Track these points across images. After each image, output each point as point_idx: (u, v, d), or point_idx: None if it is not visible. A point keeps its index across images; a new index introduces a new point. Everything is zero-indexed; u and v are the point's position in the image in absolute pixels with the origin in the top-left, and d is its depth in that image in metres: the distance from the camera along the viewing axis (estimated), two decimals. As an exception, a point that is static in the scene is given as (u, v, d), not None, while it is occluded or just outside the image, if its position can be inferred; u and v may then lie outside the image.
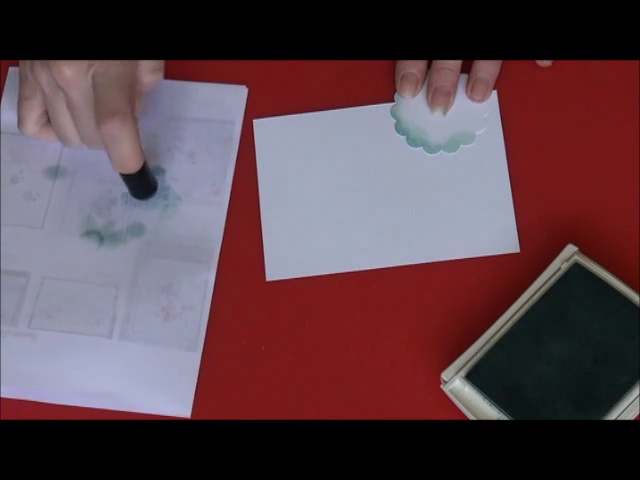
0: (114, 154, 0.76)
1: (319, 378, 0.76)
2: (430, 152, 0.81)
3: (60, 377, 0.76)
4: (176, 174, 0.82)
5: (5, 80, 0.85)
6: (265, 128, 0.83)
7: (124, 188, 0.81)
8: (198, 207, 0.81)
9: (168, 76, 0.83)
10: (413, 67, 0.81)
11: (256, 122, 0.83)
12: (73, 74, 0.75)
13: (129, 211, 0.81)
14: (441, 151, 0.81)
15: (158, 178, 0.81)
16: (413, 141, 0.82)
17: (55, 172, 0.82)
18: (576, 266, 0.73)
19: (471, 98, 0.82)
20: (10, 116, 0.83)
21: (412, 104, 0.83)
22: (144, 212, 0.81)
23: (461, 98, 0.82)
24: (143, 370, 0.76)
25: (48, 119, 0.80)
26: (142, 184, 0.80)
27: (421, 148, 0.81)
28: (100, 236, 0.80)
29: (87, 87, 0.75)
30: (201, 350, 0.77)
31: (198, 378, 0.76)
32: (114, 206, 0.81)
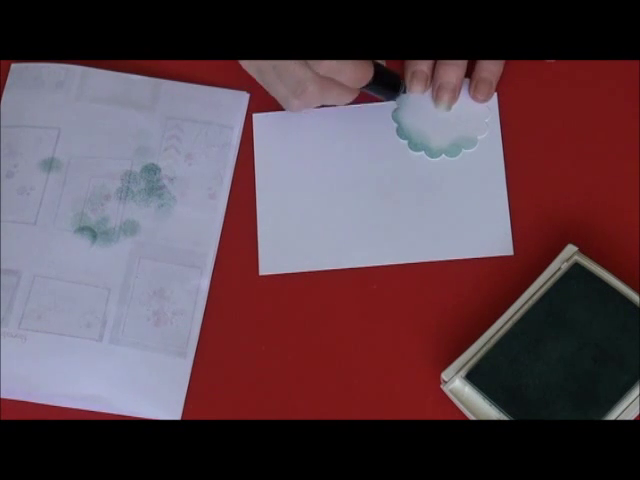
0: (346, 81, 0.77)
1: (318, 378, 0.76)
2: (432, 157, 0.81)
3: (49, 379, 0.76)
4: (171, 174, 0.81)
5: (7, 77, 0.85)
6: (264, 123, 0.83)
7: (119, 183, 0.81)
8: (193, 209, 0.80)
9: (171, 77, 0.84)
10: (422, 64, 0.81)
11: (255, 116, 0.83)
12: None
13: (123, 208, 0.80)
14: (443, 155, 0.81)
15: (153, 176, 0.81)
16: (415, 145, 0.82)
17: (50, 164, 0.82)
18: (576, 266, 0.73)
19: (474, 98, 0.82)
20: (10, 110, 0.83)
21: (413, 108, 0.83)
22: (138, 210, 0.80)
23: (463, 102, 0.82)
24: (132, 375, 0.76)
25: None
26: (384, 85, 0.81)
27: (423, 153, 0.81)
28: (93, 233, 0.80)
29: None
30: (192, 356, 0.76)
31: (189, 384, 0.76)
32: (108, 202, 0.81)
